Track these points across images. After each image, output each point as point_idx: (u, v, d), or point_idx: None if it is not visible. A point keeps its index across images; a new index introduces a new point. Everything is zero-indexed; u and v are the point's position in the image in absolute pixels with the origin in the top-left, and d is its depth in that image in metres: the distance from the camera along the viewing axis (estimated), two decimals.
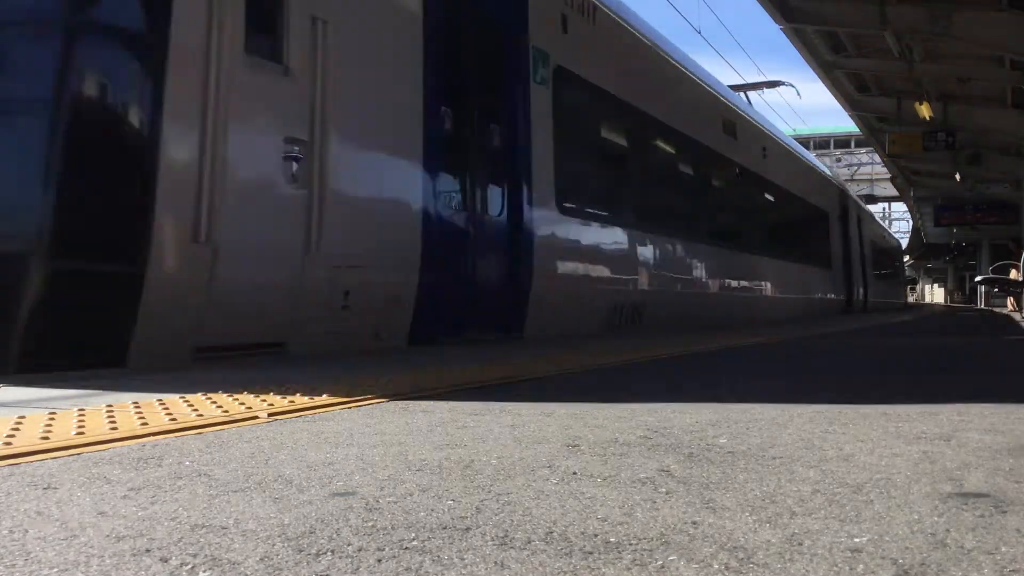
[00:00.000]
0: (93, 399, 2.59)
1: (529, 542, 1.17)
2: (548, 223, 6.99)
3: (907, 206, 43.71)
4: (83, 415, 2.25)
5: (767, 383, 3.35)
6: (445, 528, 1.23)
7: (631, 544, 1.15)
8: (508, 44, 6.60)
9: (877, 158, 36.85)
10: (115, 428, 2.05)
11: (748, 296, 13.37)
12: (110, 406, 2.43)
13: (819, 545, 1.14)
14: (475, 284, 6.09)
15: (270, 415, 2.29)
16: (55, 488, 1.48)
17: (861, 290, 22.78)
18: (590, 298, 7.82)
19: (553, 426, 2.18)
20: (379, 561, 1.09)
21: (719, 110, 12.01)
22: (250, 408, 2.41)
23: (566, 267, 7.29)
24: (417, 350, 5.14)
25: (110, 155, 3.88)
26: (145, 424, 2.12)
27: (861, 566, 1.06)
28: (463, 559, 1.09)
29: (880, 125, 24.62)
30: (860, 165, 49.45)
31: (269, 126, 4.34)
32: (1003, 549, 1.13)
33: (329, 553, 1.12)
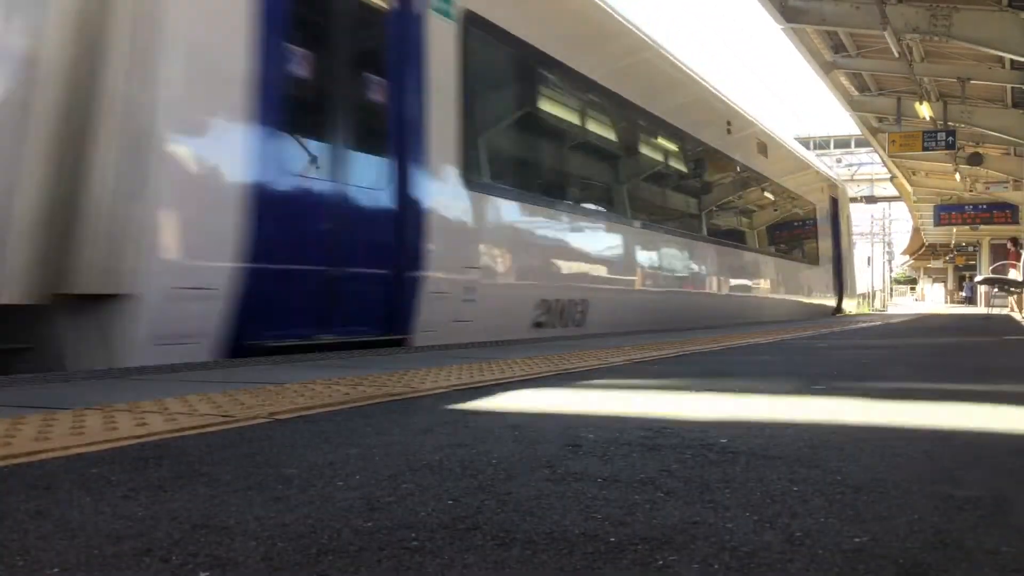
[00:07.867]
0: (92, 399, 2.59)
1: (530, 542, 1.17)
2: None
3: (907, 206, 43.68)
4: (82, 415, 2.25)
5: None
6: (445, 528, 1.23)
7: (632, 544, 1.15)
8: None
9: (877, 158, 36.82)
10: (115, 428, 2.05)
11: None
12: (109, 406, 2.43)
13: (819, 545, 1.14)
14: None
15: (270, 415, 2.29)
16: (55, 488, 1.48)
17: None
18: None
19: (553, 426, 2.18)
20: (379, 561, 1.09)
21: None
22: (250, 408, 2.41)
23: None
24: (417, 353, 5.13)
25: None
26: (144, 424, 2.12)
27: (861, 566, 1.06)
28: (463, 559, 1.09)
29: (880, 125, 24.63)
30: (860, 165, 49.44)
31: None
32: (1003, 549, 1.13)
33: (330, 553, 1.12)
